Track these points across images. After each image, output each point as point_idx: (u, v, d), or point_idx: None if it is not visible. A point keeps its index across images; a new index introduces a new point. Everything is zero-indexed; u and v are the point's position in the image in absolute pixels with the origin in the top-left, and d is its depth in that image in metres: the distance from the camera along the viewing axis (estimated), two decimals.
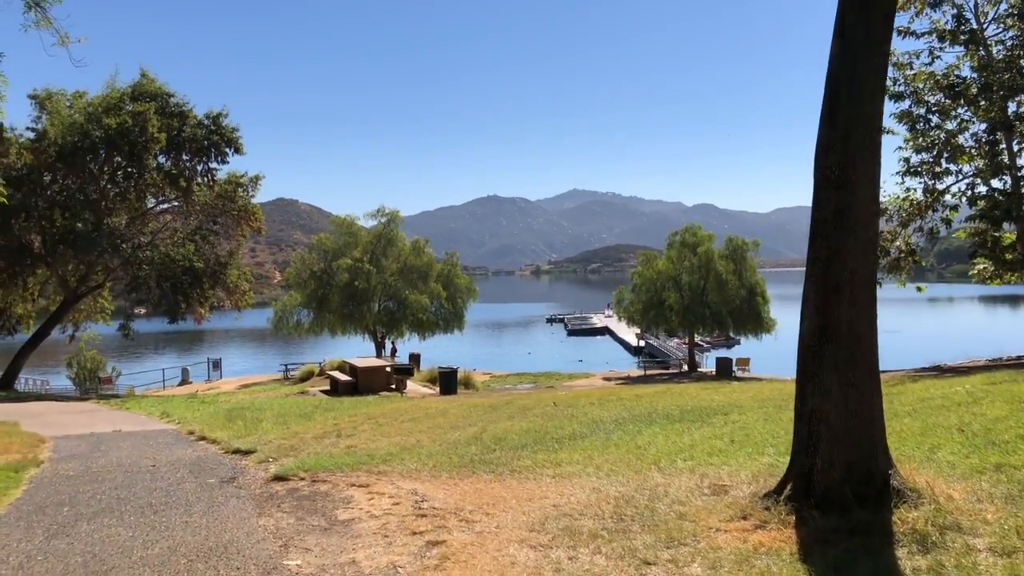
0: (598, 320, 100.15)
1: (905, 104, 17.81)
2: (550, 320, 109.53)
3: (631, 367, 57.53)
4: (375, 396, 22.04)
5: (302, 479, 9.00)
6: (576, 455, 8.28)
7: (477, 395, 22.78)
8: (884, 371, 19.36)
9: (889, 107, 18.31)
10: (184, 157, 32.15)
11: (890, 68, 18.20)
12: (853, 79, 4.81)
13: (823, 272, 4.97)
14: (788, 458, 6.58)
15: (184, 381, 46.17)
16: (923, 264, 19.03)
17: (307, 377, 33.20)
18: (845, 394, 4.75)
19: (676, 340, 66.14)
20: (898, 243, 18.37)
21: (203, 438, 13.65)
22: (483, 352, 70.18)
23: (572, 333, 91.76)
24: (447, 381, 23.37)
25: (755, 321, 44.26)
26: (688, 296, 45.38)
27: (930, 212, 18.34)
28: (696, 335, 49.82)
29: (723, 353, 55.07)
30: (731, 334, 50.37)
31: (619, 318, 54.39)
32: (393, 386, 24.59)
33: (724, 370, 41.84)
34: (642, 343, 68.38)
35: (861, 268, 4.88)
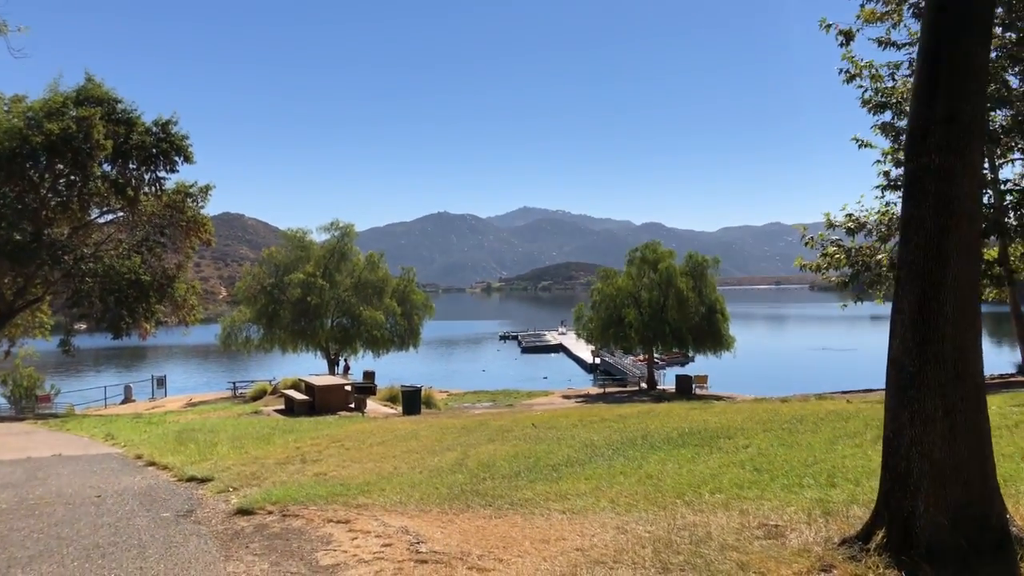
0: (552, 337, 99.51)
1: (886, 116, 17.47)
2: (503, 337, 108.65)
3: (587, 384, 56.95)
4: (334, 416, 20.96)
5: (270, 513, 8.03)
6: (581, 485, 7.46)
7: (443, 415, 21.84)
8: (868, 390, 18.86)
9: (868, 119, 17.95)
10: (131, 165, 30.57)
11: (867, 80, 17.89)
12: (957, 51, 4.12)
13: (920, 278, 4.24)
14: (836, 493, 5.85)
15: (127, 399, 44.32)
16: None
17: (259, 396, 31.85)
18: (951, 422, 4.00)
19: (631, 358, 65.80)
20: (879, 257, 17.92)
21: (152, 463, 12.53)
22: (437, 369, 69.05)
23: (526, 350, 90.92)
24: (410, 400, 22.35)
25: (715, 338, 43.90)
26: (648, 313, 44.87)
27: None
28: (655, 352, 49.35)
29: (679, 370, 54.82)
30: (687, 352, 50.03)
31: (578, 335, 53.77)
32: (352, 405, 23.51)
33: (684, 387, 41.39)
34: (597, 360, 67.88)
35: (964, 272, 4.16)
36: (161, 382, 48.36)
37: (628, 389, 46.95)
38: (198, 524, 7.85)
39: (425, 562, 5.49)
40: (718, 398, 38.53)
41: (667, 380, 50.89)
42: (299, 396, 23.82)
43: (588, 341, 51.88)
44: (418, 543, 6.04)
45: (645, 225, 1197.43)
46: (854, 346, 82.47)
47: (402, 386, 25.01)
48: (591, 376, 65.19)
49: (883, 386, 14.72)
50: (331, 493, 8.48)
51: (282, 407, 24.40)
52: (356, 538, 6.52)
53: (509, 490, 7.71)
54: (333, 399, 23.17)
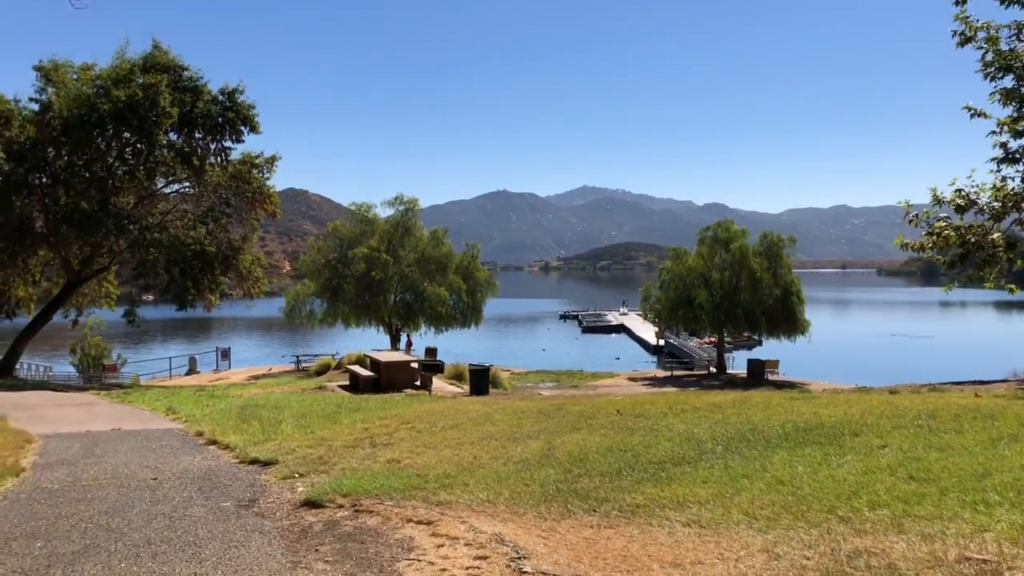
0: (613, 317, 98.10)
1: (1006, 82, 15.85)
2: (563, 317, 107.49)
3: (650, 367, 55.65)
4: (401, 394, 20.18)
5: (340, 506, 7.16)
6: (699, 490, 6.40)
7: (513, 396, 20.93)
8: (979, 381, 17.37)
9: (985, 87, 16.33)
10: (197, 135, 30.18)
11: (981, 44, 16.25)
12: None
13: None
14: None
15: (192, 371, 44.50)
16: (1017, 262, 17.01)
17: (323, 370, 31.38)
18: None
19: (696, 340, 64.22)
20: (994, 236, 16.32)
21: (214, 442, 11.83)
22: (496, 347, 68.41)
23: (587, 330, 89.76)
24: (479, 380, 21.46)
25: (790, 322, 42.11)
26: (719, 294, 43.32)
27: None
28: (718, 335, 47.76)
29: (746, 354, 53.14)
30: (760, 335, 48.29)
31: (645, 315, 52.36)
32: (418, 383, 22.73)
33: (756, 373, 39.85)
34: (661, 342, 66.39)
35: None
36: (225, 354, 48.52)
37: (696, 373, 45.53)
38: (261, 517, 7.02)
39: None
40: (792, 384, 36.96)
41: (735, 364, 49.33)
42: (364, 372, 23.13)
43: (656, 322, 50.46)
44: (520, 558, 5.06)
45: (707, 206, 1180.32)
46: (930, 333, 79.57)
47: (470, 364, 24.19)
48: (654, 358, 63.82)
49: (991, 377, 13.24)
50: (408, 486, 7.57)
51: (346, 383, 23.77)
52: (442, 545, 5.57)
53: (613, 492, 6.69)
54: (399, 376, 22.43)
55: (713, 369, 45.54)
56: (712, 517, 5.58)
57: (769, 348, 50.80)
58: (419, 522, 6.30)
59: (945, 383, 17.10)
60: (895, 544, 4.52)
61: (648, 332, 75.33)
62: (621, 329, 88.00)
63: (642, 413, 11.93)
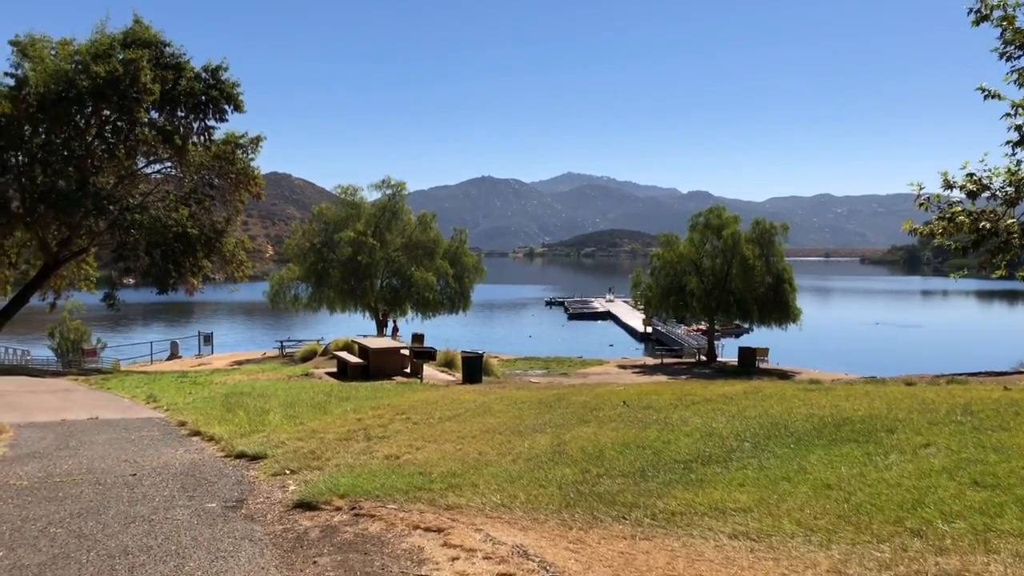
0: (599, 304, 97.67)
1: (1020, 62, 15.30)
2: (549, 303, 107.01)
3: (637, 354, 55.24)
4: (391, 382, 19.52)
5: (338, 509, 6.52)
6: (739, 495, 5.80)
7: (507, 385, 20.29)
8: (995, 372, 16.88)
9: (1000, 68, 15.74)
10: (179, 113, 29.19)
11: (999, 22, 15.69)
12: None
13: None
14: None
15: (173, 355, 43.67)
16: None
17: (309, 356, 30.64)
18: None
19: (684, 327, 63.85)
20: (1009, 222, 15.79)
21: (197, 432, 11.17)
22: (483, 333, 67.86)
23: (573, 317, 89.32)
24: (472, 367, 20.79)
25: (781, 310, 41.69)
26: (710, 281, 42.86)
27: None
28: (709, 322, 47.29)
29: (734, 342, 52.80)
30: (745, 323, 47.90)
31: (636, 302, 51.80)
32: (408, 370, 22.06)
33: (747, 360, 39.47)
34: (648, 329, 65.99)
35: None
36: (208, 339, 47.73)
37: (686, 360, 45.09)
38: (251, 521, 6.38)
39: None
40: (784, 373, 36.57)
41: (724, 352, 48.96)
42: (352, 359, 22.41)
43: (646, 309, 49.94)
44: None
45: (691, 193, 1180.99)
46: (917, 322, 79.57)
47: (462, 352, 23.54)
48: (642, 345, 63.48)
49: (991, 367, 12.69)
50: (411, 486, 6.94)
51: (334, 370, 23.07)
52: (457, 559, 4.94)
53: (640, 496, 6.07)
54: (389, 363, 21.75)
55: (703, 357, 45.11)
56: (761, 528, 4.97)
57: (757, 336, 50.50)
58: (428, 529, 5.67)
59: (960, 374, 16.60)
60: (989, 566, 3.94)
61: (635, 319, 74.94)
62: (608, 316, 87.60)
63: (650, 405, 11.34)
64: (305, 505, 6.71)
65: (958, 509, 4.88)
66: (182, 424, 12.06)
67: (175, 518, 6.47)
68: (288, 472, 8.12)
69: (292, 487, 7.48)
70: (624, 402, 11.78)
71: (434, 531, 5.60)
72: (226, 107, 29.61)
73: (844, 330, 71.28)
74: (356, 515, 6.28)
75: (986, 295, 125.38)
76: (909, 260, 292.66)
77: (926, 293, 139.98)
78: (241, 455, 9.19)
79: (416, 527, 5.75)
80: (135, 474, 8.31)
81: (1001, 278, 17.33)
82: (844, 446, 7.15)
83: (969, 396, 9.83)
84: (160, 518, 6.46)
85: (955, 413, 8.33)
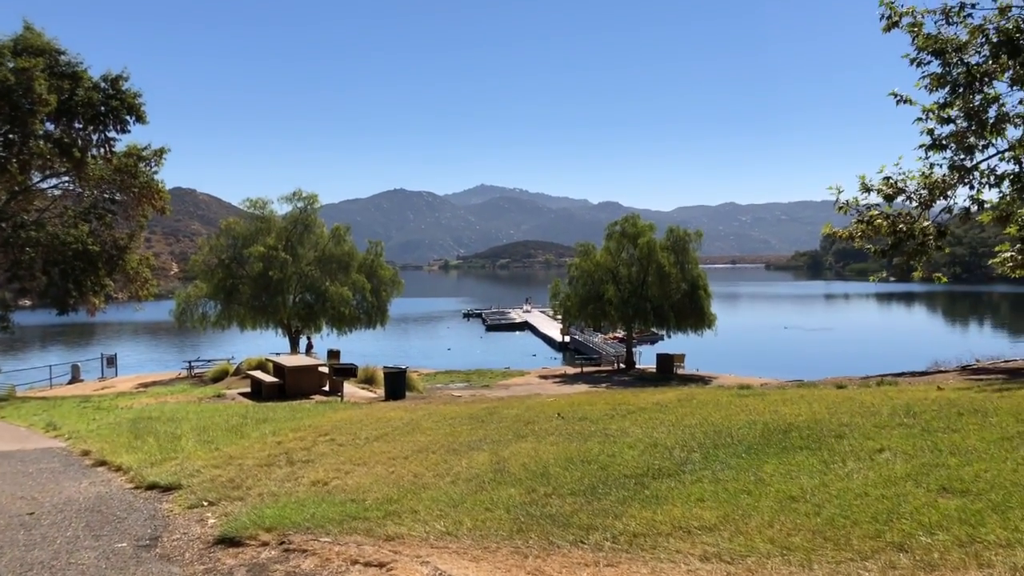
0: (517, 315, 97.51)
1: (931, 67, 15.63)
2: (467, 315, 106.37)
3: (555, 364, 55.19)
4: (310, 402, 18.73)
5: (265, 544, 5.96)
6: (701, 512, 5.46)
7: (432, 400, 19.71)
8: (918, 372, 17.12)
9: (910, 74, 16.11)
10: (77, 124, 27.78)
11: (905, 28, 16.04)
12: None
13: None
14: None
15: (75, 379, 41.42)
16: (946, 251, 16.90)
17: (220, 377, 29.39)
18: None
19: (601, 336, 64.14)
20: (925, 224, 16.10)
21: (103, 463, 10.36)
22: (400, 347, 66.81)
23: (491, 328, 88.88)
24: (394, 383, 20.08)
25: (697, 316, 42.14)
26: (627, 289, 43.04)
27: (954, 191, 16.25)
28: (627, 330, 47.54)
29: (649, 348, 53.24)
30: (661, 329, 48.26)
31: (555, 312, 51.69)
32: (326, 388, 21.27)
33: (666, 367, 39.73)
34: (567, 339, 66.08)
35: None
36: (111, 361, 45.49)
37: (605, 368, 45.14)
38: (167, 562, 5.76)
39: None
40: (702, 378, 36.92)
41: (642, 359, 49.30)
42: (267, 378, 21.49)
43: (565, 318, 49.87)
44: None
45: (602, 204, 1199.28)
46: (826, 325, 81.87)
47: (384, 367, 22.84)
48: (560, 355, 63.46)
49: (913, 368, 12.83)
50: (344, 515, 6.40)
51: (248, 390, 22.10)
52: None
53: (596, 516, 5.68)
54: (306, 381, 20.91)
55: (622, 364, 45.26)
56: (733, 548, 4.63)
57: (671, 342, 50.99)
58: (368, 564, 5.17)
59: (885, 375, 16.81)
60: None
61: (553, 329, 74.99)
62: (525, 326, 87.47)
63: (585, 416, 11.02)
64: (228, 541, 6.12)
65: (936, 519, 4.64)
66: (86, 453, 11.21)
67: (80, 562, 5.80)
68: (206, 503, 7.49)
69: (212, 520, 6.87)
70: (559, 414, 11.44)
71: (375, 566, 5.10)
72: (128, 118, 28.38)
73: (754, 335, 72.78)
74: (286, 550, 5.73)
75: (886, 297, 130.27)
76: (812, 265, 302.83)
77: (830, 297, 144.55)
78: (153, 486, 8.49)
79: (355, 562, 5.24)
80: (33, 513, 7.54)
81: (921, 280, 17.72)
82: (797, 454, 6.92)
83: (906, 397, 9.81)
84: (62, 563, 5.78)
85: (898, 415, 8.23)
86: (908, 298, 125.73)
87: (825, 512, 5.07)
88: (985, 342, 56.66)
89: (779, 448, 7.26)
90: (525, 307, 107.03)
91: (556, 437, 9.35)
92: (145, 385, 34.95)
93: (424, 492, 7.04)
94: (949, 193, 16.18)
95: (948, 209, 16.56)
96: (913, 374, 16.92)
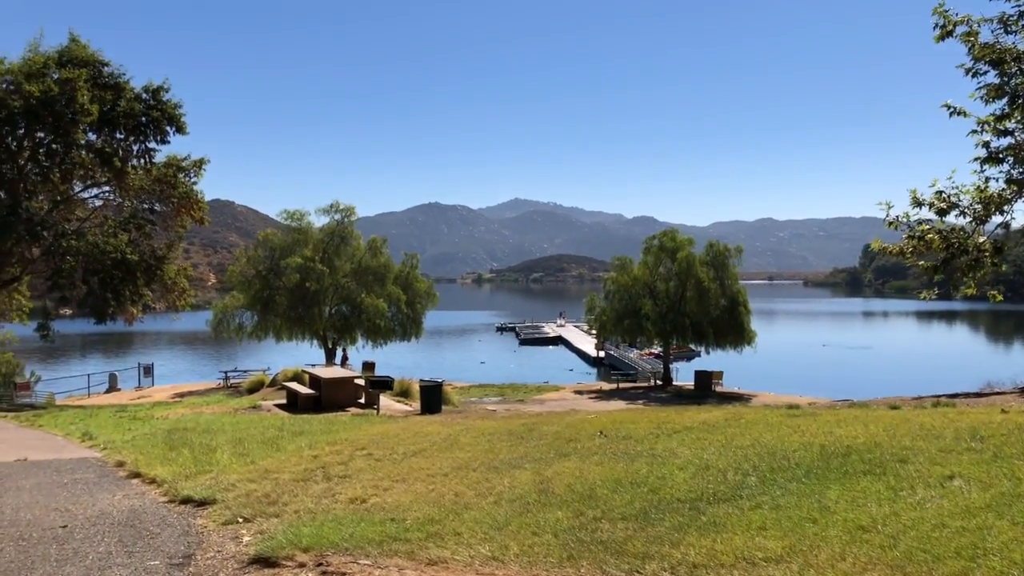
0: (551, 329, 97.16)
1: (988, 78, 15.15)
2: (500, 329, 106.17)
3: (590, 379, 54.74)
4: (346, 414, 18.54)
5: (302, 565, 5.68)
6: (764, 541, 5.10)
7: (469, 415, 19.44)
8: (963, 394, 16.54)
9: (965, 85, 15.62)
10: (118, 135, 28.01)
11: (960, 37, 15.57)
12: None
13: None
14: None
15: (112, 388, 41.86)
16: (1002, 268, 16.32)
17: (256, 388, 29.38)
18: None
19: (636, 351, 63.57)
20: (981, 240, 15.58)
21: (137, 474, 10.17)
22: (434, 360, 66.75)
23: (524, 342, 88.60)
24: (430, 397, 19.86)
25: (737, 332, 41.56)
26: (665, 304, 42.58)
27: (1011, 206, 15.68)
28: (664, 346, 46.97)
29: (685, 365, 52.61)
30: (700, 345, 47.61)
31: (590, 326, 51.33)
32: (362, 401, 21.08)
33: (704, 384, 39.22)
34: (601, 354, 65.60)
35: None
36: (148, 370, 45.91)
37: (641, 385, 44.68)
38: None
39: None
40: (740, 396, 36.35)
41: (679, 376, 48.70)
42: (303, 390, 21.36)
43: (601, 333, 49.46)
44: None
45: (636, 219, 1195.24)
46: (866, 343, 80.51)
47: (420, 380, 22.65)
48: (594, 370, 62.98)
49: (962, 389, 12.29)
50: (384, 535, 6.12)
51: (283, 402, 21.98)
52: None
53: (651, 543, 5.34)
54: (342, 394, 20.75)
55: (658, 381, 44.71)
56: None
57: (708, 359, 50.30)
58: None
59: (938, 396, 16.24)
60: None
61: (587, 344, 74.55)
62: (559, 341, 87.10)
63: (629, 434, 10.67)
64: (263, 561, 5.86)
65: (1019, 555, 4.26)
66: (120, 464, 11.05)
67: None
68: (241, 520, 7.25)
69: (247, 538, 6.62)
70: (601, 432, 11.10)
71: None
72: (168, 129, 28.59)
73: (792, 352, 71.72)
74: (324, 572, 5.46)
75: (927, 315, 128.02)
76: (851, 282, 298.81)
77: (869, 314, 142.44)
78: (187, 500, 8.28)
79: None
80: (66, 526, 7.35)
81: (965, 298, 17.14)
82: (860, 480, 6.53)
83: (969, 420, 9.34)
84: None
85: (964, 439, 7.80)
86: (950, 316, 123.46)
87: (902, 545, 4.69)
88: None
89: (840, 473, 6.87)
90: (559, 321, 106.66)
91: (600, 456, 9.02)
92: (181, 395, 35.12)
93: (466, 512, 6.75)
94: (1005, 208, 15.65)
95: (1005, 225, 16.02)
96: (968, 395, 16.33)
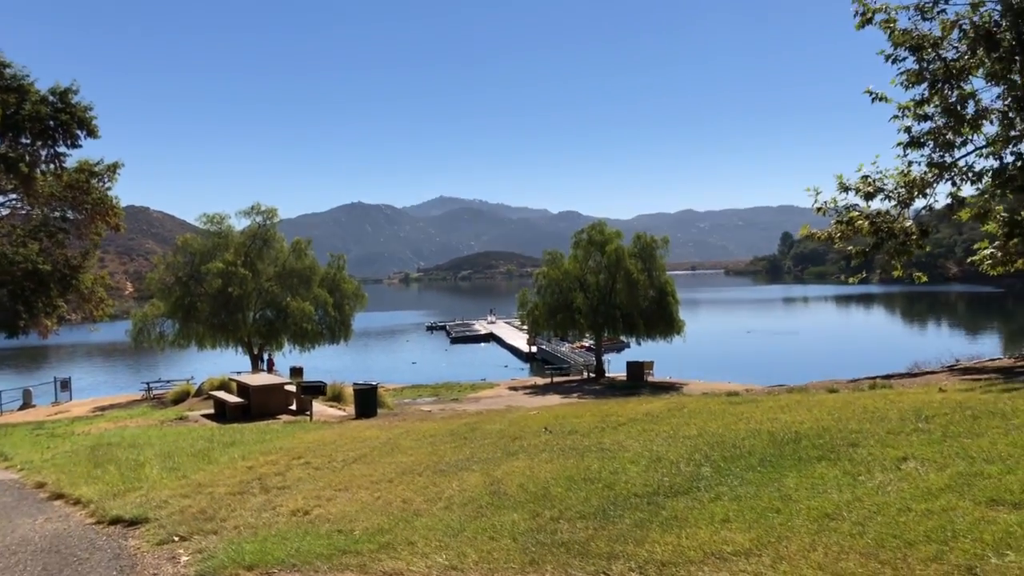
0: (481, 327, 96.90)
1: (907, 63, 15.46)
2: (430, 328, 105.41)
3: (523, 375, 54.69)
4: (277, 422, 18.01)
5: None
6: (730, 534, 4.96)
7: (406, 417, 19.07)
8: (909, 373, 16.87)
9: (886, 71, 15.93)
10: (24, 139, 26.71)
11: (877, 26, 15.87)
12: None
13: None
14: None
15: (27, 404, 40.01)
16: (927, 249, 16.73)
17: (181, 398, 28.38)
18: None
19: (568, 345, 63.78)
20: (907, 224, 15.93)
21: (60, 495, 9.62)
22: (363, 363, 65.82)
23: (456, 340, 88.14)
24: (366, 400, 19.38)
25: (667, 323, 41.95)
26: (595, 297, 42.75)
27: (933, 189, 16.06)
28: (596, 338, 47.17)
29: (616, 356, 52.97)
30: (631, 336, 47.89)
31: (523, 321, 51.21)
32: (294, 407, 20.53)
33: (636, 375, 39.47)
34: (533, 349, 65.64)
35: None
36: (65, 384, 44.07)
37: (575, 378, 44.74)
38: None
39: None
40: (672, 385, 36.68)
41: (611, 367, 48.97)
42: (231, 399, 20.68)
43: (533, 327, 49.39)
44: None
45: (562, 213, 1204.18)
46: (792, 329, 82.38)
47: (354, 383, 22.11)
48: (527, 365, 62.96)
49: (892, 370, 12.53)
50: (333, 548, 5.82)
51: (211, 412, 21.26)
52: None
53: (614, 542, 5.16)
54: (272, 401, 20.16)
55: (591, 373, 44.87)
56: None
57: (638, 350, 50.73)
58: None
59: (874, 377, 16.54)
60: None
61: (519, 339, 74.56)
62: (491, 338, 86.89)
63: (574, 429, 10.52)
64: None
65: (999, 536, 4.20)
66: (40, 486, 10.45)
67: None
68: (177, 539, 6.85)
69: (185, 558, 6.24)
70: (546, 428, 10.93)
71: None
72: (78, 132, 27.33)
73: (719, 340, 72.88)
74: None
75: (845, 299, 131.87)
76: (771, 269, 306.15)
77: (790, 300, 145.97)
78: (116, 520, 7.82)
79: None
80: None
81: (897, 279, 17.53)
82: (815, 465, 6.47)
83: (910, 401, 9.45)
84: None
85: (910, 420, 7.84)
86: (868, 299, 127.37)
87: (871, 532, 4.60)
88: (956, 342, 57.14)
89: (794, 459, 6.81)
90: (489, 318, 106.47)
91: (549, 453, 8.84)
92: (102, 409, 33.79)
93: (417, 520, 6.48)
94: (928, 191, 16.04)
95: (928, 207, 16.42)
96: (901, 376, 16.69)
